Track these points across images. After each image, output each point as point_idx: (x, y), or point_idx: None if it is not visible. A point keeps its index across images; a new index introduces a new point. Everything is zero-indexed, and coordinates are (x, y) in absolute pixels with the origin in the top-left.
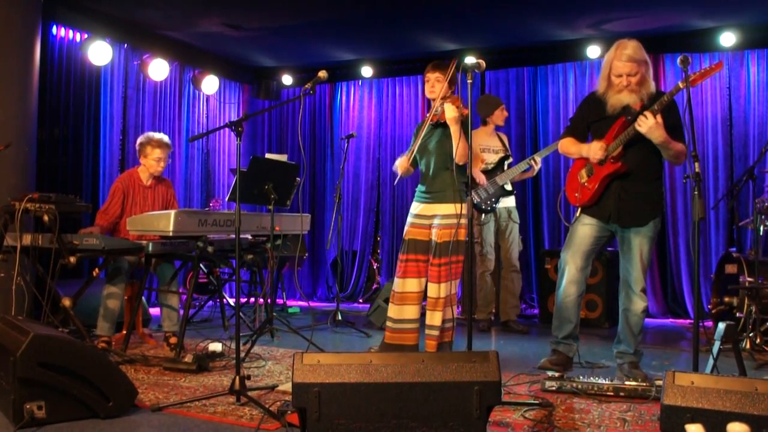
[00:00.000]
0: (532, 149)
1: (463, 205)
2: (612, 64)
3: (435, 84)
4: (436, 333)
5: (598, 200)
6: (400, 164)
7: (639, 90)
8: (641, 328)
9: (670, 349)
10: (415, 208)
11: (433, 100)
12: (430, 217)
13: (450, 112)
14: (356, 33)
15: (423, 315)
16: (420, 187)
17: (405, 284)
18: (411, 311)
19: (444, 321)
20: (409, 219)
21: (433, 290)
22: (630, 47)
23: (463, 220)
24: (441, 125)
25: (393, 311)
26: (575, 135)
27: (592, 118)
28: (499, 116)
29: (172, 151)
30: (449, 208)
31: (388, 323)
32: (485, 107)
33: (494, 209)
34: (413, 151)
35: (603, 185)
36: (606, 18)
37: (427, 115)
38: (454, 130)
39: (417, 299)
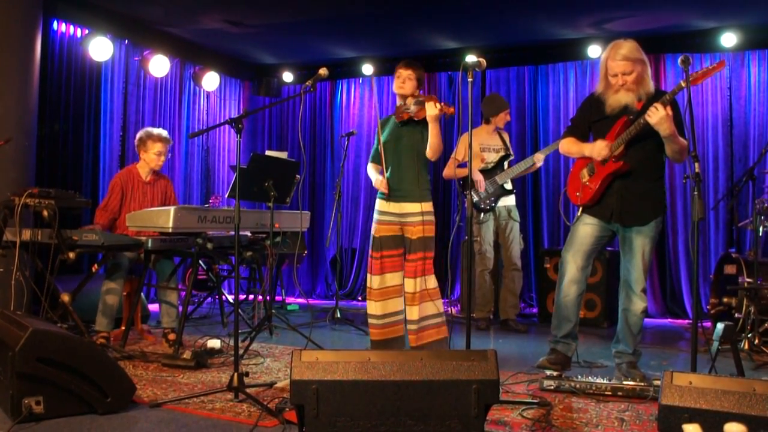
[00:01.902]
0: (532, 148)
1: (431, 202)
2: (607, 64)
3: (407, 80)
4: (414, 327)
5: (600, 199)
6: (383, 185)
7: (636, 89)
8: (640, 328)
9: (669, 349)
10: (383, 206)
11: (402, 96)
12: (401, 215)
13: (431, 110)
14: (357, 30)
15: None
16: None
17: (385, 279)
18: (396, 304)
19: (422, 315)
20: (377, 216)
21: (410, 285)
22: (625, 47)
23: (429, 217)
24: (408, 123)
25: (375, 308)
26: (576, 135)
27: (593, 117)
28: (502, 119)
29: (171, 145)
30: (419, 206)
31: (373, 321)
32: (491, 107)
33: (493, 208)
34: (382, 152)
35: (605, 184)
36: (607, 17)
37: (393, 113)
38: (433, 127)
39: (398, 292)
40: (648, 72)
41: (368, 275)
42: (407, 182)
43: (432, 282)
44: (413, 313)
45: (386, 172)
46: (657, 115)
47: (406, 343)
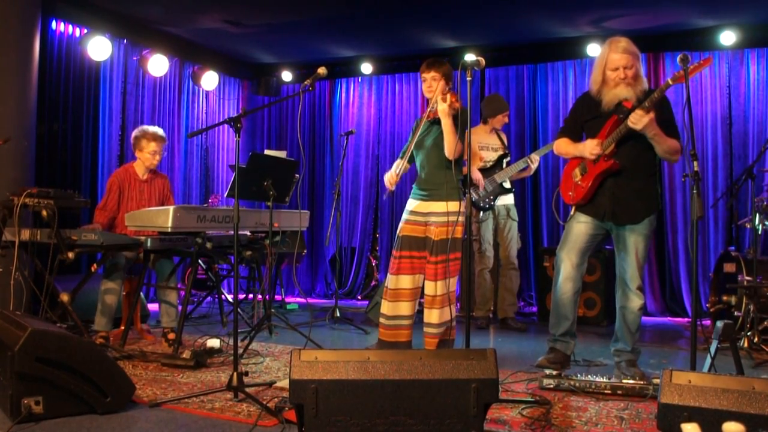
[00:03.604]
0: (531, 147)
1: (461, 202)
2: (608, 57)
3: (432, 83)
4: (434, 331)
5: (592, 198)
6: (389, 179)
7: (635, 84)
8: (638, 325)
9: (668, 347)
10: (411, 205)
11: (432, 99)
12: (426, 214)
13: (440, 105)
14: (356, 30)
15: (420, 312)
16: (416, 185)
17: (399, 281)
18: (405, 307)
19: (443, 320)
20: (404, 216)
21: (430, 288)
22: (624, 41)
23: (460, 218)
24: (438, 122)
25: (387, 308)
26: (570, 135)
27: (585, 117)
28: (500, 120)
29: (167, 144)
30: (445, 206)
31: (383, 320)
32: (490, 108)
33: (492, 207)
34: (409, 149)
35: (596, 183)
36: (606, 15)
37: (425, 112)
38: (445, 123)
39: (411, 296)
40: (641, 68)
41: (388, 273)
42: (433, 181)
43: (454, 285)
44: (433, 316)
45: (417, 172)
46: (641, 122)
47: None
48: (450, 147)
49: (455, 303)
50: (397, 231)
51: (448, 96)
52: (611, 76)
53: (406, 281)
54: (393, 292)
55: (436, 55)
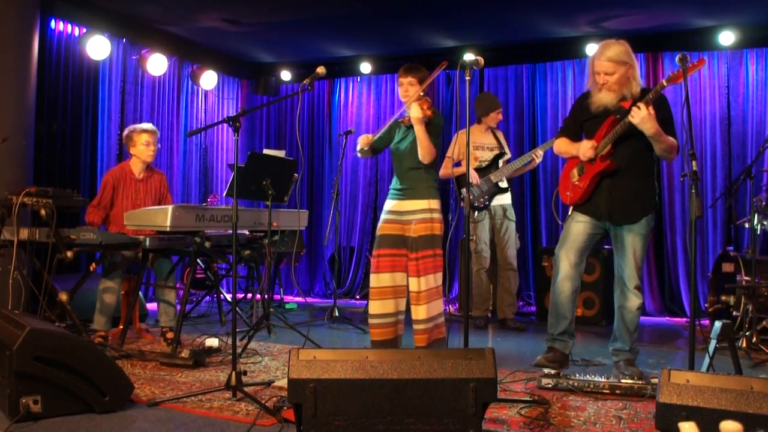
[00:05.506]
0: (530, 146)
1: (439, 200)
2: (593, 61)
3: (408, 88)
4: (423, 327)
5: (589, 198)
6: (362, 139)
7: (618, 90)
8: (636, 325)
9: (667, 347)
10: (388, 205)
11: (406, 103)
12: (403, 213)
13: (414, 112)
14: (355, 29)
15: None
16: (393, 185)
17: (379, 279)
18: (391, 305)
19: (431, 315)
20: (383, 216)
21: (413, 284)
22: (612, 49)
23: (433, 215)
24: (412, 126)
25: (374, 307)
26: (569, 135)
27: (583, 117)
28: (494, 118)
29: (159, 137)
30: (422, 204)
31: (372, 320)
32: (482, 106)
33: (487, 207)
34: (377, 136)
35: (593, 183)
36: (605, 15)
37: (403, 115)
38: (417, 130)
39: (393, 293)
40: (634, 74)
41: (371, 273)
42: (410, 181)
43: (439, 280)
44: (420, 312)
45: (395, 172)
46: (639, 115)
47: (401, 345)
48: (423, 152)
49: (442, 298)
50: (377, 231)
51: (423, 103)
52: (596, 79)
53: (386, 279)
54: (376, 291)
55: (435, 54)
